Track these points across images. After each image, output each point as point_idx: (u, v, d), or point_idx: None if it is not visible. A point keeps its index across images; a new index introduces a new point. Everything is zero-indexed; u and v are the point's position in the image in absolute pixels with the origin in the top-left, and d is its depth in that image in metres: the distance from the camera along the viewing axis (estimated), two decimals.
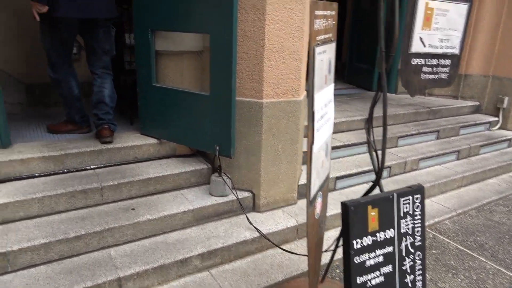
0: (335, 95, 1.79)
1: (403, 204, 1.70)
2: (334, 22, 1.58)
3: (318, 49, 1.36)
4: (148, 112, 2.64)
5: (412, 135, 3.88)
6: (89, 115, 2.77)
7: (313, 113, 1.40)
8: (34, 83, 3.31)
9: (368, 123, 1.81)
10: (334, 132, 3.58)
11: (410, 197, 1.73)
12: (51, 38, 2.41)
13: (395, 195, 1.67)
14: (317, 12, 1.32)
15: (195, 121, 2.41)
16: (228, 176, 2.49)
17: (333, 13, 1.54)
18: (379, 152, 1.73)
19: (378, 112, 1.67)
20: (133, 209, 2.24)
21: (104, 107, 2.60)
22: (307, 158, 1.44)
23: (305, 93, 2.67)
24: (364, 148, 3.50)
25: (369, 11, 5.23)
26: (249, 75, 2.33)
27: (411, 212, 1.74)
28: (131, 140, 2.60)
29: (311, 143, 1.43)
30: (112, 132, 2.57)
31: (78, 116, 2.72)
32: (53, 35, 2.40)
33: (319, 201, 1.72)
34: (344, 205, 1.50)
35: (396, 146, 3.76)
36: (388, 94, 5.16)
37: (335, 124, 3.55)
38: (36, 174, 2.27)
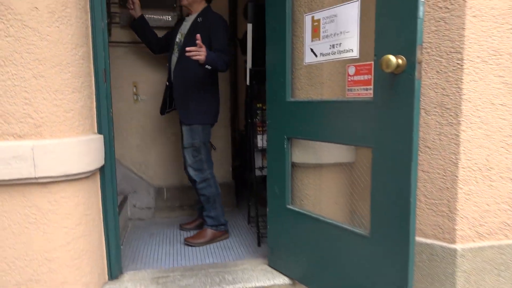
0: None
1: None
2: None
3: None
4: (278, 240, 2.01)
5: None
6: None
7: None
8: (163, 186, 3.10)
9: None
10: None
11: None
12: (203, 137, 2.49)
13: None
14: None
15: (345, 267, 1.65)
16: None
17: None
18: None
19: None
20: None
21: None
22: None
23: None
24: None
25: None
26: (431, 205, 1.52)
27: None
28: (255, 278, 1.96)
29: None
30: None
31: (223, 216, 2.60)
32: (205, 134, 2.50)
33: None
34: None
35: None
36: None
37: None
38: None
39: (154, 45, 2.75)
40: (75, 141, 1.66)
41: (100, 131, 1.86)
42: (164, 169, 3.10)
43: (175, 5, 2.93)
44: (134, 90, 2.98)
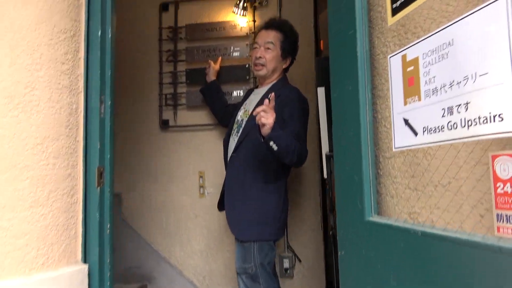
0: None
1: None
2: None
3: None
4: None
5: None
6: None
7: None
8: None
9: None
10: None
11: None
12: (261, 257, 1.73)
13: None
14: None
15: None
16: None
17: None
18: None
19: None
20: None
21: None
22: None
23: None
24: None
25: None
26: None
27: None
28: None
29: None
30: None
31: None
32: (264, 254, 1.74)
33: None
34: None
35: None
36: None
37: None
38: None
39: (220, 116, 2.30)
40: (24, 284, 1.09)
41: (85, 259, 1.28)
42: (233, 284, 2.35)
43: (248, 77, 2.40)
44: (200, 181, 2.44)
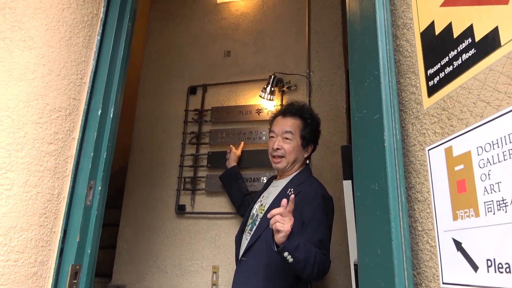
0: None
1: None
2: None
3: None
4: None
5: None
6: None
7: None
8: None
9: None
10: None
11: None
12: None
13: None
14: None
15: None
16: None
17: None
18: None
19: None
20: None
21: None
22: None
23: None
24: None
25: None
26: None
27: None
28: None
29: None
30: None
31: None
32: None
33: None
34: None
35: None
36: None
37: None
38: None
39: (238, 205, 2.09)
40: None
41: None
42: None
43: None
44: (214, 278, 2.13)
